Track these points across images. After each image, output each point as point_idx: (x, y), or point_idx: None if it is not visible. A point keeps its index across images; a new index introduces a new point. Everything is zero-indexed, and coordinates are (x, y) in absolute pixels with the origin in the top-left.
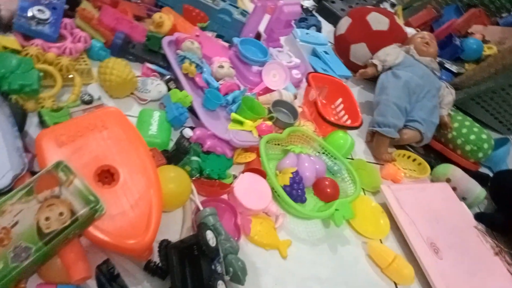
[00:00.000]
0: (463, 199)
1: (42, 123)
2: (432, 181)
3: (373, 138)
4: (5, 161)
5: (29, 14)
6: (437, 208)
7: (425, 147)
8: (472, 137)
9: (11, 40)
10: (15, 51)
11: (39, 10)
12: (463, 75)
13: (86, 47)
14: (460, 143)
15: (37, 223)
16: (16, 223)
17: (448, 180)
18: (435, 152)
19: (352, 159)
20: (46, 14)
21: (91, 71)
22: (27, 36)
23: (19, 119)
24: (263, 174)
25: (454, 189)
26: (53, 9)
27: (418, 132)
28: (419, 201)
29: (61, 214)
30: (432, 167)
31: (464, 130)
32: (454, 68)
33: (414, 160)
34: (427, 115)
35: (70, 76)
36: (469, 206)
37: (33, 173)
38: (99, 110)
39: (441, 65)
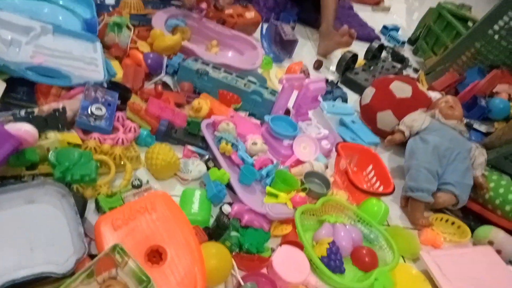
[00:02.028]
0: (510, 262)
1: (98, 209)
2: (474, 244)
3: (407, 203)
4: (70, 246)
5: (89, 112)
6: (481, 273)
7: (464, 209)
8: (511, 196)
9: (73, 136)
10: (77, 145)
11: (96, 107)
12: (492, 134)
13: (135, 136)
14: (499, 203)
15: None
16: None
17: (490, 243)
18: (474, 214)
19: (388, 225)
20: (103, 110)
21: (139, 157)
22: (86, 130)
23: (80, 206)
24: (300, 246)
25: (498, 252)
26: (108, 105)
27: (453, 195)
28: (462, 267)
29: None
30: (472, 230)
31: (501, 190)
32: (483, 128)
33: (453, 223)
34: (460, 178)
35: (122, 163)
36: None
37: (90, 255)
38: (149, 194)
39: (469, 126)
